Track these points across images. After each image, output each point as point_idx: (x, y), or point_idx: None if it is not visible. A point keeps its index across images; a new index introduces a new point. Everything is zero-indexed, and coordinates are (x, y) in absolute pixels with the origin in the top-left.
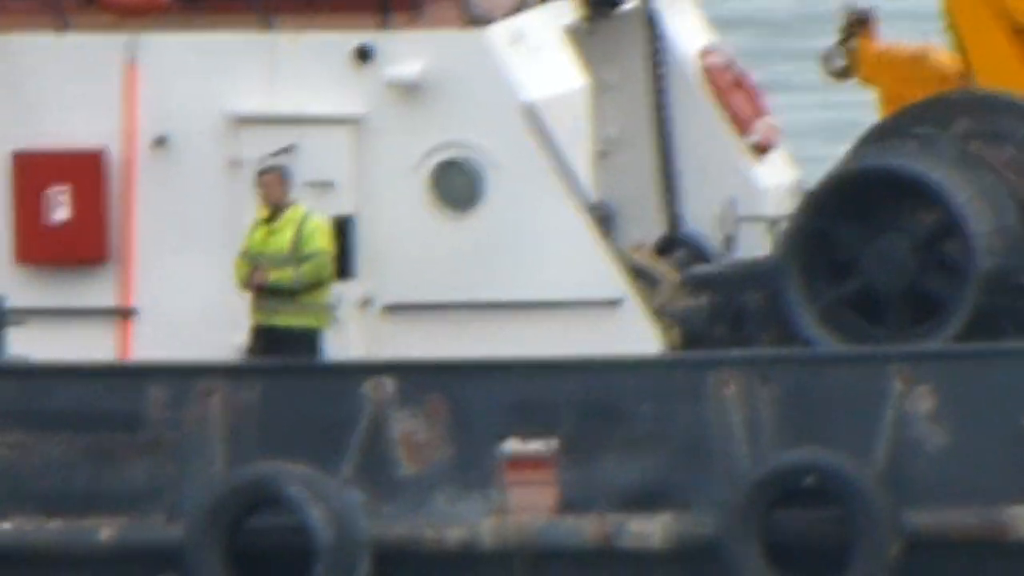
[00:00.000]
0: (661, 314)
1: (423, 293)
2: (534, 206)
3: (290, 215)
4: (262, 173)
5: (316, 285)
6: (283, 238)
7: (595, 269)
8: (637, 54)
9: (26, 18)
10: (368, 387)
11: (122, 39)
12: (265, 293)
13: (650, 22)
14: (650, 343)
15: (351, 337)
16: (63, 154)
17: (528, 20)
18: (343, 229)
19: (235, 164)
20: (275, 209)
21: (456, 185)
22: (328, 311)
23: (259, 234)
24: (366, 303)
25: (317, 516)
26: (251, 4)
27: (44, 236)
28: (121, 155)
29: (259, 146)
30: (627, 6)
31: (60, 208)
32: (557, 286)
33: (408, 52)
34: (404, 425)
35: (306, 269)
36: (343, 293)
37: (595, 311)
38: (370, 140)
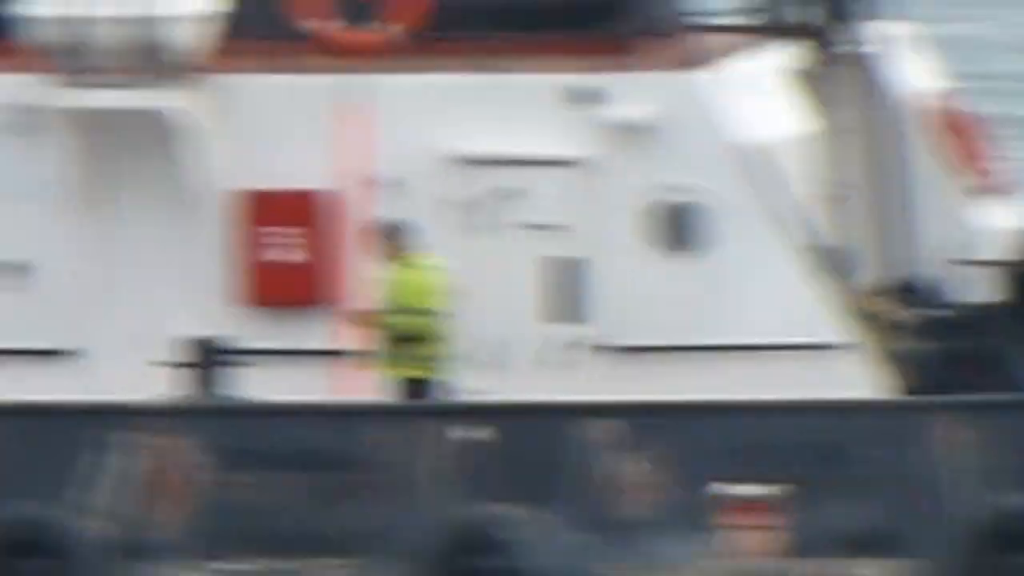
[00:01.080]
0: (892, 357)
1: (648, 336)
2: (756, 249)
3: (400, 267)
4: (379, 230)
5: (423, 335)
6: (393, 291)
7: (817, 312)
8: (872, 97)
9: (259, 59)
10: (594, 428)
11: (348, 79)
12: (386, 342)
13: (871, 68)
14: (875, 386)
15: (579, 378)
16: (292, 194)
17: (753, 64)
18: (571, 272)
19: (462, 204)
20: (386, 260)
21: (679, 227)
22: (436, 361)
23: (371, 287)
24: (592, 345)
25: (540, 559)
26: (480, 46)
27: (270, 276)
28: (348, 195)
29: (486, 186)
30: (860, 48)
31: (287, 248)
32: (779, 329)
33: (632, 95)
34: (629, 466)
35: (416, 320)
36: (573, 335)
37: (818, 354)
38: (594, 182)
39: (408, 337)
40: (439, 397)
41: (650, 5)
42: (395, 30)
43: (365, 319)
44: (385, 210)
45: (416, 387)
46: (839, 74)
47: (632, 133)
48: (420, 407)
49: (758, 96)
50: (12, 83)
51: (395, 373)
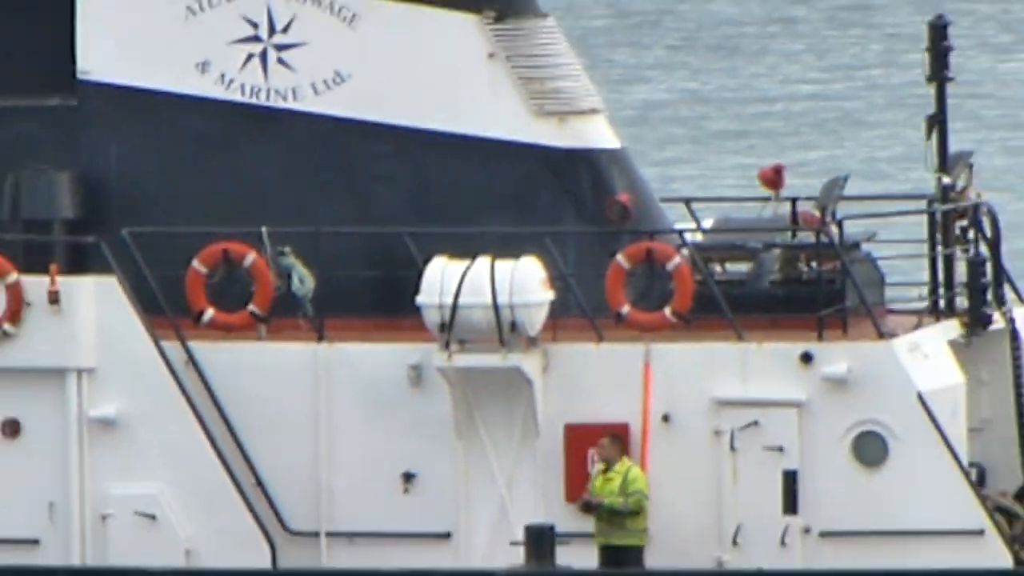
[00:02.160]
0: (1019, 542)
1: (846, 524)
2: (924, 465)
3: (619, 468)
4: (602, 439)
5: (637, 514)
6: (614, 484)
7: (964, 506)
8: (1003, 360)
9: (579, 333)
10: None
11: (641, 347)
12: (603, 520)
13: (1014, 336)
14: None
15: (794, 557)
16: (600, 426)
17: (922, 335)
18: (790, 480)
19: (717, 434)
20: (608, 464)
21: (869, 449)
22: (645, 533)
23: (598, 481)
24: (805, 531)
25: None
26: (729, 325)
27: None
28: (638, 428)
29: (734, 422)
30: (997, 326)
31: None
32: (935, 519)
33: (838, 357)
34: None
35: (631, 501)
36: (790, 524)
37: (961, 540)
38: (809, 418)
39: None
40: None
41: (856, 296)
42: (672, 313)
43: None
44: (662, 438)
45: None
46: (990, 342)
47: (838, 384)
48: None
49: (927, 358)
50: (412, 350)
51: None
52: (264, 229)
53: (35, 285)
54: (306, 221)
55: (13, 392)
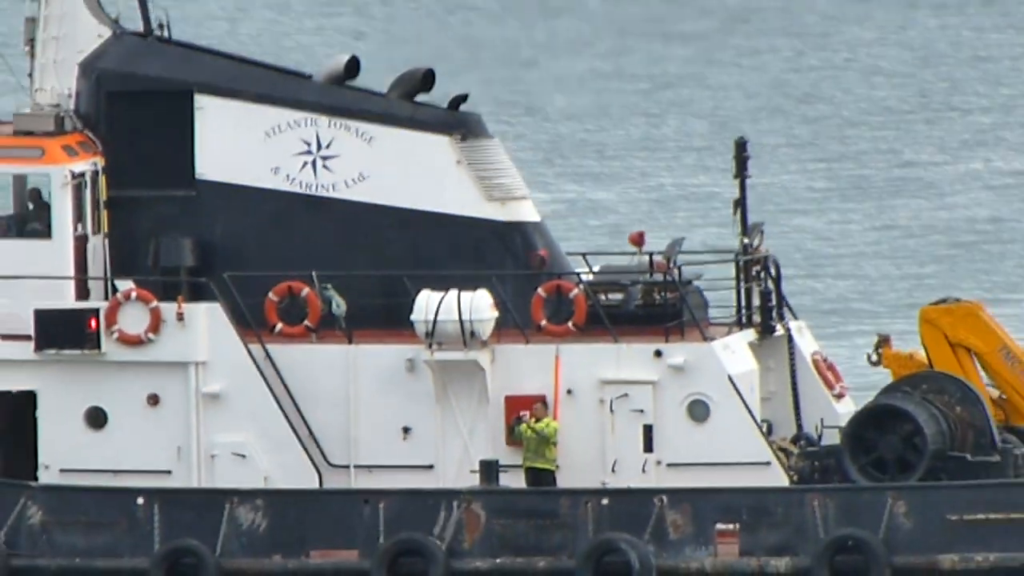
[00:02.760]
0: (791, 469)
1: (683, 458)
2: (733, 422)
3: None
4: (536, 403)
5: (550, 446)
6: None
7: (758, 447)
8: (782, 354)
9: (512, 338)
10: None
11: (553, 346)
12: (529, 451)
13: (789, 339)
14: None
15: (650, 480)
16: (528, 397)
17: (731, 339)
18: (648, 431)
19: (601, 402)
20: (537, 418)
21: (698, 411)
22: (555, 463)
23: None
24: (657, 463)
25: None
26: (609, 333)
27: None
28: (552, 397)
29: (612, 394)
30: (778, 333)
31: None
32: (740, 455)
33: (677, 352)
34: None
35: (548, 430)
36: (647, 459)
37: (756, 469)
38: (660, 391)
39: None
40: None
41: (689, 314)
42: (573, 325)
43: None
44: (567, 404)
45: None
46: (774, 343)
47: (680, 370)
48: None
49: (738, 352)
50: (408, 349)
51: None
52: (314, 273)
53: (168, 308)
54: (340, 267)
55: (154, 377)
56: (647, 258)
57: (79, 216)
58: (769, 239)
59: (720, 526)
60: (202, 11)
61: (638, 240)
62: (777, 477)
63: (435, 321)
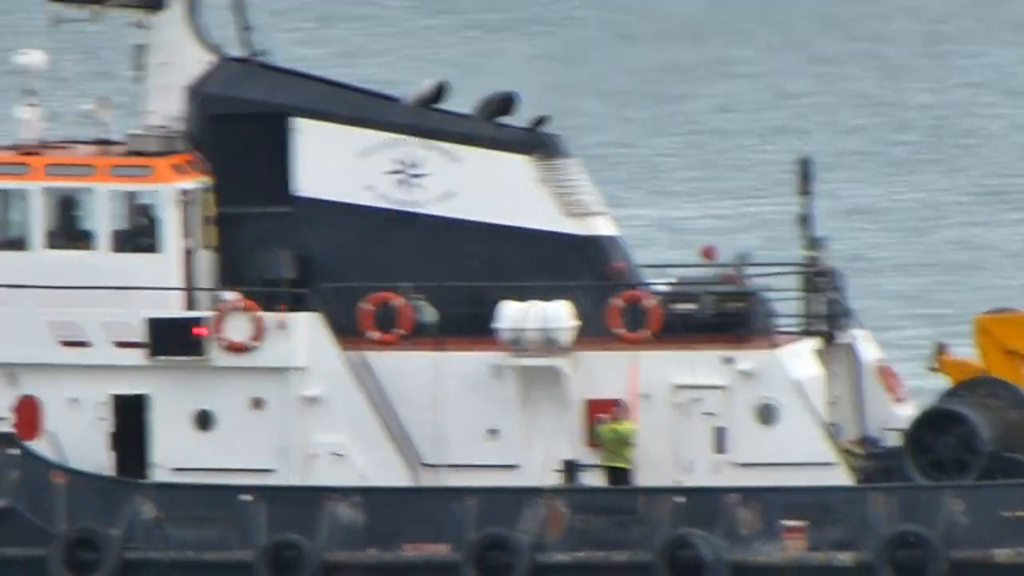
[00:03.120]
0: (857, 470)
1: (753, 459)
2: (800, 424)
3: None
4: (615, 406)
5: (627, 447)
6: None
7: (824, 447)
8: (847, 361)
9: (591, 345)
10: None
11: (630, 354)
12: (608, 451)
13: (852, 348)
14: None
15: (722, 479)
16: (606, 401)
17: (797, 346)
18: (720, 433)
19: (676, 405)
20: (616, 419)
21: (766, 414)
22: (632, 462)
23: (607, 427)
24: (729, 464)
25: None
26: (682, 340)
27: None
28: (629, 401)
29: (686, 398)
30: (842, 340)
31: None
32: (807, 455)
33: (747, 359)
34: None
35: (624, 431)
36: (719, 459)
37: (823, 469)
38: (730, 395)
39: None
40: None
41: (758, 324)
42: (649, 333)
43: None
44: (644, 408)
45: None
46: (839, 350)
47: (749, 375)
48: None
49: (804, 359)
50: (494, 356)
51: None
52: (406, 284)
53: (271, 317)
54: (429, 279)
55: (258, 381)
56: (718, 270)
57: (187, 231)
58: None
59: (788, 522)
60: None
61: (709, 253)
62: (842, 477)
63: (520, 329)
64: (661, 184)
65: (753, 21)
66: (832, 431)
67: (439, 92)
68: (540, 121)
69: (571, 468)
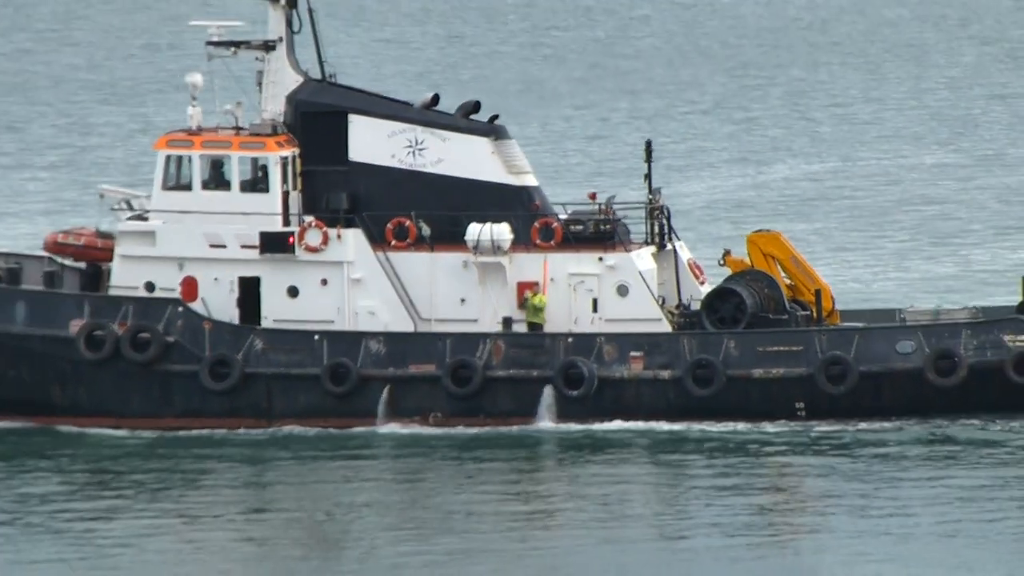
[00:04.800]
0: (677, 326)
1: (591, 319)
2: (637, 295)
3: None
4: (534, 286)
5: (541, 311)
6: (534, 299)
7: (655, 309)
8: (671, 260)
9: (521, 250)
10: None
11: (543, 255)
12: (529, 312)
13: (675, 253)
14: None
15: (595, 327)
16: (530, 283)
17: (641, 251)
18: (595, 302)
19: (570, 285)
20: (535, 292)
21: (621, 291)
22: (544, 321)
23: (530, 297)
24: (601, 319)
25: None
26: (573, 247)
27: None
28: (543, 283)
29: (576, 281)
30: (668, 248)
31: None
32: (642, 313)
33: (612, 259)
34: None
35: (536, 300)
36: (594, 317)
37: (653, 323)
38: (601, 280)
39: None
40: None
41: (619, 237)
42: (555, 244)
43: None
44: (551, 287)
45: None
46: (663, 254)
47: (612, 267)
48: None
49: (645, 258)
50: (462, 255)
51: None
52: (414, 213)
53: (333, 232)
54: (428, 210)
55: (325, 269)
56: (596, 206)
57: (284, 180)
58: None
59: (633, 353)
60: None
61: (592, 196)
62: (666, 326)
63: (479, 240)
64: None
65: None
66: (660, 300)
67: (435, 100)
68: (494, 117)
69: (507, 322)
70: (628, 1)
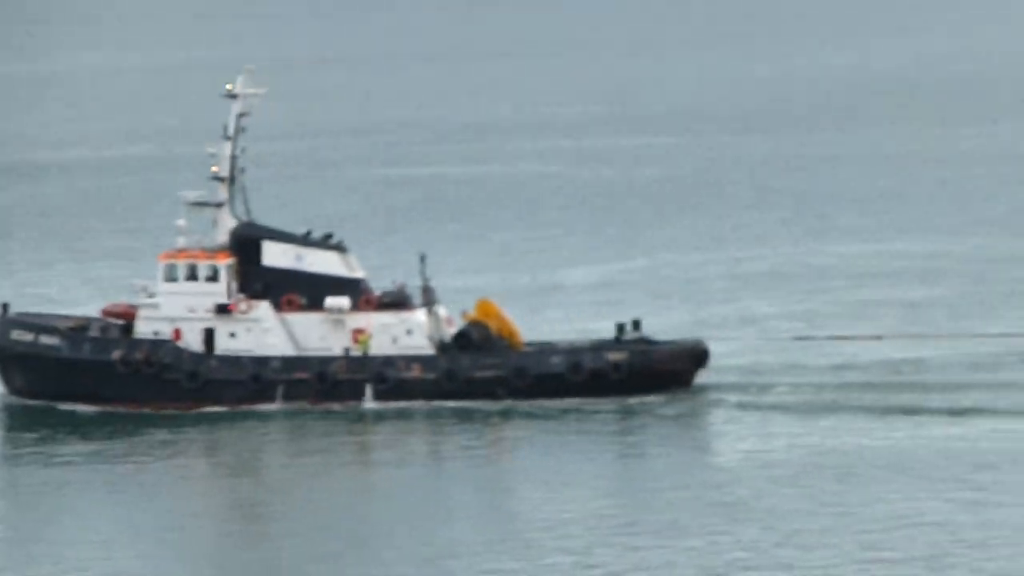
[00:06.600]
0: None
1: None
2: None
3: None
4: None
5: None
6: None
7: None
8: (436, 316)
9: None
10: None
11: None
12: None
13: (437, 312)
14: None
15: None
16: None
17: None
18: None
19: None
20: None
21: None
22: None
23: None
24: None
25: None
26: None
27: None
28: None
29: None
30: (434, 310)
31: None
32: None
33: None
34: None
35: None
36: None
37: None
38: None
39: None
40: None
41: (410, 303)
42: (371, 307)
43: None
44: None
45: None
46: (433, 313)
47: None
48: None
49: (422, 314)
50: None
51: None
52: (296, 294)
53: None
54: (302, 291)
55: (250, 324)
56: (397, 287)
57: (228, 276)
58: None
59: (414, 364)
60: None
61: (395, 283)
62: (432, 351)
63: (331, 305)
64: None
65: None
66: (432, 339)
67: (327, 236)
68: (328, 235)
69: (347, 351)
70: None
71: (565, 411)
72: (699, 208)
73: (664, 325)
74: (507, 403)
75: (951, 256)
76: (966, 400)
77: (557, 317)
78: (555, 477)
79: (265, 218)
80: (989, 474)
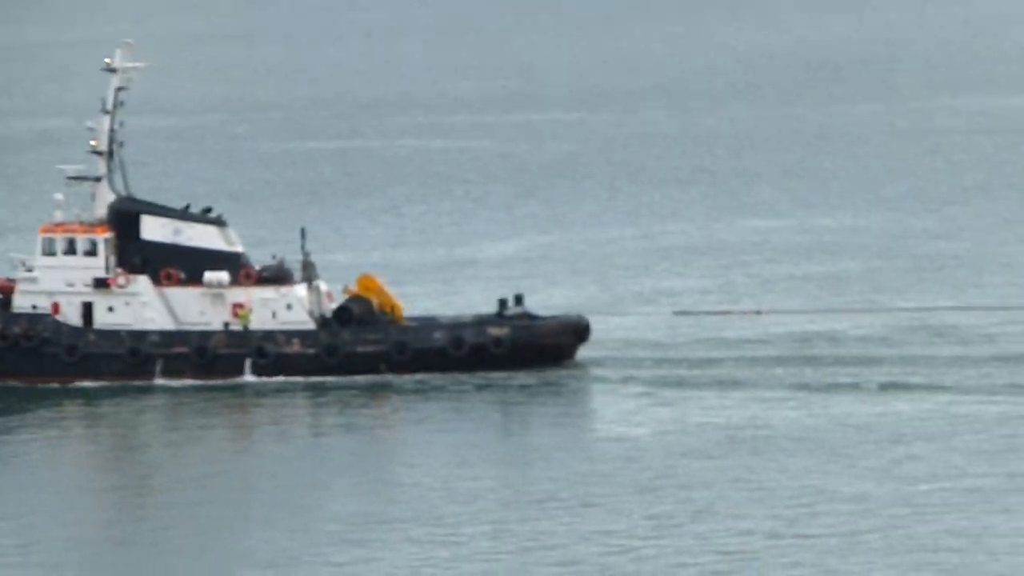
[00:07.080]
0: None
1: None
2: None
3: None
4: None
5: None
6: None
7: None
8: (317, 290)
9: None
10: None
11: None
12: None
13: (318, 286)
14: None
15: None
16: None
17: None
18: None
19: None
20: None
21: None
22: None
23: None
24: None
25: None
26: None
27: None
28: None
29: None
30: (314, 284)
31: None
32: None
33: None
34: None
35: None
36: None
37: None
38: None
39: None
40: None
41: (290, 277)
42: (251, 280)
43: None
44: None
45: None
46: (313, 287)
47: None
48: None
49: (302, 289)
50: None
51: None
52: (176, 267)
53: None
54: (181, 265)
55: (128, 297)
56: (276, 261)
57: (106, 250)
58: None
59: (295, 340)
60: None
61: (275, 257)
62: (312, 326)
63: (211, 280)
64: None
65: None
66: (310, 312)
67: (206, 210)
68: (208, 209)
69: (226, 325)
70: None
71: (446, 386)
72: (613, 185)
73: (574, 300)
74: (388, 378)
75: (860, 231)
76: (878, 375)
77: (471, 291)
78: (440, 452)
79: (164, 194)
80: (901, 448)
